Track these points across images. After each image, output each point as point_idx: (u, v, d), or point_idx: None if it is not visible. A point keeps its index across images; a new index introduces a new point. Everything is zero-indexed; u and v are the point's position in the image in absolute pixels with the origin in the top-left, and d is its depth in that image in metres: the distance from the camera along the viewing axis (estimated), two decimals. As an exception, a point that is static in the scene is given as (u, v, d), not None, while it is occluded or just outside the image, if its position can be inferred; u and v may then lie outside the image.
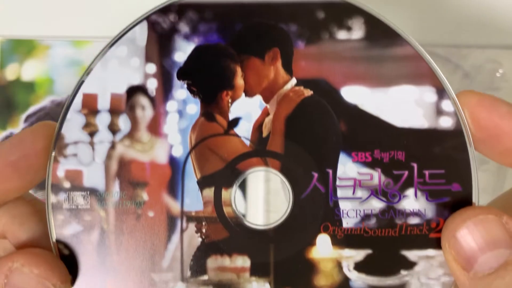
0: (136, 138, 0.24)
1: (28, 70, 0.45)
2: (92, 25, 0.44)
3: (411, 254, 0.24)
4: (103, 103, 0.24)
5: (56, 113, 0.43)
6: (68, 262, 0.24)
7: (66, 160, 0.24)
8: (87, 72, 0.24)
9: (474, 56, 0.40)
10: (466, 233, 0.22)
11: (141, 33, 0.24)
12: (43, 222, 0.25)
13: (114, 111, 0.24)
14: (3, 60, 0.45)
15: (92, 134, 0.24)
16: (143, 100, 0.24)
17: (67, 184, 0.24)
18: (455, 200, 0.24)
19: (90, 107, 0.24)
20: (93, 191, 0.24)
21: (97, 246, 0.24)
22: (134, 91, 0.24)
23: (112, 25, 0.38)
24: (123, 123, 0.24)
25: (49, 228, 0.24)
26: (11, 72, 0.45)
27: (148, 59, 0.24)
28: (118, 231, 0.24)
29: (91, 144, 0.24)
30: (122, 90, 0.24)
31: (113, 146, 0.24)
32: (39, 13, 0.45)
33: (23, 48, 0.46)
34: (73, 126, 0.24)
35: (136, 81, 0.24)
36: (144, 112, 0.24)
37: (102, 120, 0.24)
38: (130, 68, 0.24)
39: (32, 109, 0.44)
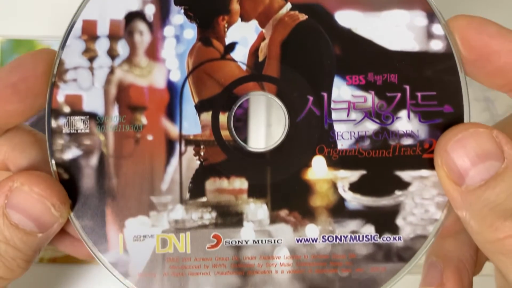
0: (134, 63, 0.25)
1: None
2: None
3: (405, 175, 0.25)
4: (102, 29, 0.24)
5: None
6: (68, 187, 0.25)
7: (66, 85, 0.24)
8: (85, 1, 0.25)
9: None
10: (457, 147, 0.22)
11: (138, -41, 0.25)
12: (43, 150, 0.26)
13: (113, 37, 0.25)
14: (3, 60, 0.45)
15: (91, 59, 0.25)
16: (141, 26, 0.25)
17: (67, 109, 0.25)
18: (447, 121, 0.24)
19: (90, 33, 0.25)
20: (92, 116, 0.25)
21: (96, 170, 0.25)
22: (133, 16, 0.25)
23: None
24: (122, 48, 0.25)
25: (49, 153, 0.25)
26: None
27: (145, -15, 0.25)
28: (117, 154, 0.25)
29: (91, 69, 0.25)
30: (120, 16, 0.24)
31: (112, 71, 0.25)
32: (39, 13, 0.45)
33: (23, 48, 0.46)
34: (73, 52, 0.24)
35: (134, 7, 0.25)
36: (142, 37, 0.25)
37: (101, 45, 0.25)
38: (127, -6, 0.25)
39: None
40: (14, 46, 0.45)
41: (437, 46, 0.24)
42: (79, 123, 0.24)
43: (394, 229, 0.24)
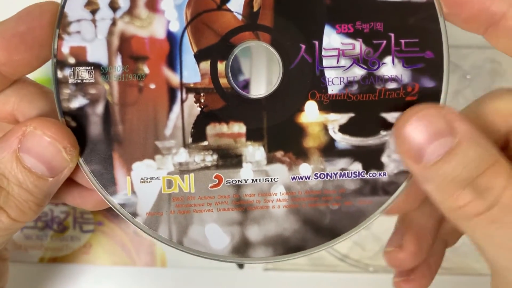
0: (135, 14, 0.26)
1: None
2: None
3: (390, 116, 0.26)
4: (102, -18, 0.25)
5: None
6: (76, 134, 0.26)
7: (70, 37, 0.25)
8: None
9: (474, 56, 0.41)
10: (412, 128, 0.24)
11: None
12: (50, 100, 0.27)
13: (113, -11, 0.25)
14: None
15: (93, 12, 0.25)
16: (142, -21, 0.25)
17: (71, 60, 0.25)
18: (428, 66, 0.26)
19: None
20: (96, 66, 0.26)
21: (102, 118, 0.26)
22: (131, -31, 0.25)
23: None
24: (123, 0, 0.25)
25: (56, 102, 0.26)
26: None
27: None
28: (122, 102, 0.26)
29: (93, 21, 0.25)
30: (119, -32, 0.25)
31: (114, 22, 0.25)
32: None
33: None
34: (75, 5, 0.25)
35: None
36: (141, -11, 0.26)
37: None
38: None
39: None
40: None
41: (420, -5, 0.26)
42: (84, 73, 0.25)
43: (380, 166, 0.26)
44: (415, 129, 0.24)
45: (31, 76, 0.27)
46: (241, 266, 0.43)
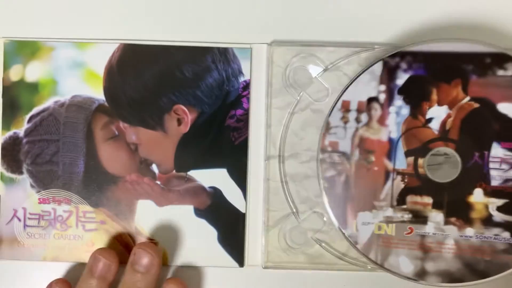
0: (370, 126, 0.42)
1: (32, 71, 0.45)
2: (95, 28, 0.45)
3: (533, 204, 0.40)
4: (353, 106, 0.42)
5: (59, 113, 0.45)
6: (328, 191, 0.43)
7: (330, 135, 0.42)
8: (346, 88, 0.41)
9: None
10: None
11: (378, 67, 0.41)
12: None
13: (359, 111, 0.42)
14: (7, 61, 0.45)
15: (345, 122, 0.42)
16: (376, 105, 0.41)
17: (329, 148, 0.42)
18: None
19: (346, 108, 0.42)
20: (344, 154, 0.42)
21: (344, 183, 0.43)
22: (371, 100, 0.41)
23: (114, 27, 0.45)
24: (364, 117, 0.42)
25: (320, 173, 0.43)
26: (15, 73, 0.45)
27: (381, 82, 0.41)
28: (357, 176, 0.42)
29: (344, 128, 0.42)
30: (364, 98, 0.41)
31: (356, 130, 0.42)
32: (43, 15, 0.45)
33: (27, 49, 0.45)
34: (335, 118, 0.42)
35: (373, 94, 0.41)
36: (376, 112, 0.41)
37: (352, 115, 0.42)
38: (370, 87, 0.41)
39: (35, 109, 0.45)
40: (18, 47, 0.45)
41: None
42: (335, 157, 0.42)
43: (522, 236, 0.40)
44: None
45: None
46: (241, 264, 0.45)
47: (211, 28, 0.45)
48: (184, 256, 0.45)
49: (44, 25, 0.44)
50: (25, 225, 0.45)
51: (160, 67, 0.44)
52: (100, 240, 0.45)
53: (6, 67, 0.45)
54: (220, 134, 0.44)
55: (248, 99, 0.44)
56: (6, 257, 0.45)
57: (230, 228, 0.44)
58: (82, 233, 0.45)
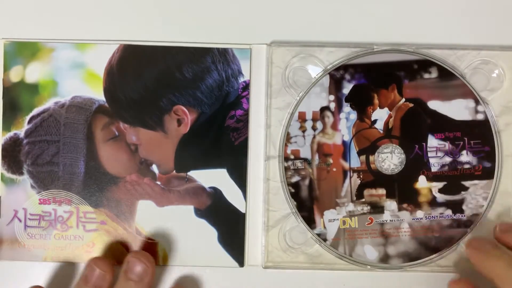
0: (325, 132, 0.47)
1: (32, 72, 0.45)
2: (95, 29, 0.45)
3: (466, 183, 0.47)
4: (308, 115, 0.47)
5: (60, 114, 0.45)
6: (293, 196, 0.47)
7: (291, 144, 0.47)
8: (300, 101, 0.47)
9: (470, 57, 0.46)
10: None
11: (326, 80, 0.47)
12: None
13: (314, 119, 0.47)
14: (8, 62, 0.44)
15: (303, 131, 0.47)
16: (328, 113, 0.47)
17: (292, 156, 0.47)
18: (487, 155, 0.46)
19: (302, 118, 0.47)
20: (305, 159, 0.47)
21: (308, 187, 0.47)
22: (324, 109, 0.47)
23: (113, 28, 0.45)
24: (319, 125, 0.47)
25: (284, 179, 0.47)
26: (15, 74, 0.45)
27: (330, 92, 0.47)
28: (318, 178, 0.47)
29: (303, 136, 0.47)
30: (317, 108, 0.47)
31: (314, 137, 0.47)
32: (43, 16, 0.45)
33: (27, 50, 0.44)
34: (294, 128, 0.47)
35: (325, 103, 0.47)
36: (329, 119, 0.47)
37: (308, 124, 0.47)
38: (321, 98, 0.47)
39: (36, 110, 0.45)
40: (18, 48, 0.44)
41: (480, 116, 0.47)
42: (298, 163, 0.47)
43: (461, 211, 0.46)
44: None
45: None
46: (242, 264, 0.46)
47: (211, 28, 0.46)
48: (184, 256, 0.45)
49: (44, 26, 0.44)
50: (25, 226, 0.44)
51: (160, 68, 0.45)
52: (101, 241, 0.44)
53: (6, 68, 0.44)
54: (220, 135, 0.46)
55: (247, 99, 0.46)
56: (6, 258, 0.44)
57: (230, 228, 0.46)
58: (83, 234, 0.44)
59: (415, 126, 0.47)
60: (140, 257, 0.42)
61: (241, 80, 0.47)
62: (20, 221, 0.45)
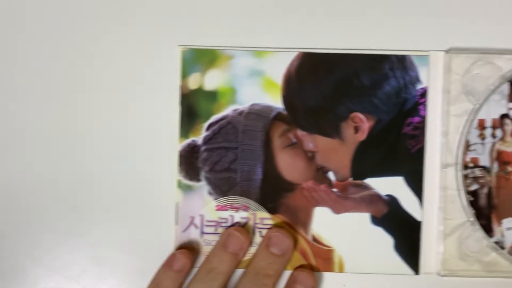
0: (505, 140, 0.47)
1: (210, 80, 0.45)
2: (273, 36, 0.46)
3: None
4: (488, 123, 0.46)
5: (238, 121, 0.45)
6: (473, 204, 0.47)
7: (470, 152, 0.46)
8: (479, 108, 0.46)
9: None
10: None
11: (506, 88, 0.46)
12: None
13: (493, 127, 0.47)
14: (186, 69, 0.45)
15: (483, 139, 0.47)
16: (507, 121, 0.47)
17: (471, 164, 0.46)
18: None
19: (482, 125, 0.46)
20: (484, 167, 0.47)
21: (486, 195, 0.47)
22: (503, 116, 0.46)
23: (292, 36, 0.45)
24: (498, 133, 0.47)
25: (463, 187, 0.47)
26: (193, 81, 0.45)
27: (510, 100, 0.46)
28: (497, 186, 0.46)
29: (483, 144, 0.47)
30: (497, 116, 0.47)
31: (493, 144, 0.47)
32: (220, 23, 0.45)
33: (205, 58, 0.45)
34: (473, 135, 0.46)
35: (504, 111, 0.47)
36: (508, 127, 0.47)
37: (488, 132, 0.47)
38: (500, 105, 0.46)
39: (214, 117, 0.45)
40: (196, 55, 0.45)
41: None
42: (477, 171, 0.47)
43: None
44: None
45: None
46: (417, 272, 0.46)
47: (388, 35, 0.46)
48: (360, 263, 0.46)
49: (221, 33, 0.45)
50: (202, 232, 0.45)
51: (337, 75, 0.45)
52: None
53: (184, 75, 0.45)
54: (397, 142, 0.46)
55: (425, 106, 0.46)
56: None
57: (407, 236, 0.46)
58: (259, 240, 0.45)
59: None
60: (285, 232, 0.44)
61: (418, 87, 0.46)
62: (197, 227, 0.45)
